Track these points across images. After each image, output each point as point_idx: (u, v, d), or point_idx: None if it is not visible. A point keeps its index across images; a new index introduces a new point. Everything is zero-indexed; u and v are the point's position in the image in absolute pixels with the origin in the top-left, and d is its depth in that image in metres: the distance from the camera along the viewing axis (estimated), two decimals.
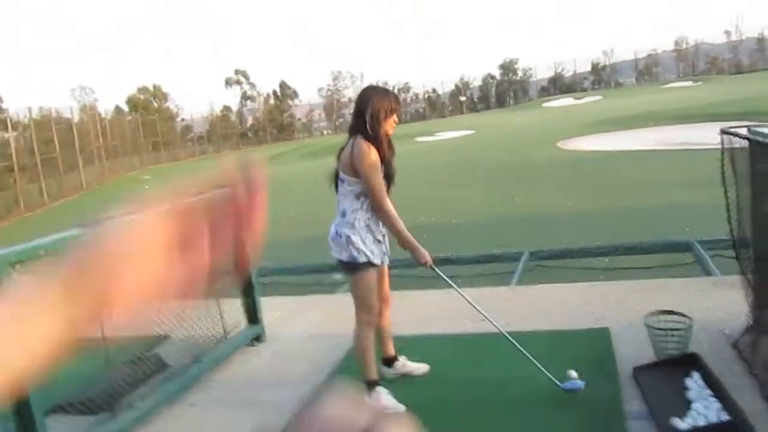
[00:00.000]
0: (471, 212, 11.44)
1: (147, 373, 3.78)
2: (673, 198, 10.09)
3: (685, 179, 12.12)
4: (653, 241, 6.50)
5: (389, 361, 3.71)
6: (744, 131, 3.30)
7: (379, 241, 3.27)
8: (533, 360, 3.14)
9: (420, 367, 3.72)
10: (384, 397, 3.31)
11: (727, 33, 65.04)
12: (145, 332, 3.87)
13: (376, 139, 3.18)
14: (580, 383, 3.06)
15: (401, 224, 3.20)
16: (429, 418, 3.20)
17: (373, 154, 3.13)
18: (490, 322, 3.34)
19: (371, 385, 3.36)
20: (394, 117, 3.21)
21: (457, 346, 4.02)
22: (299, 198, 15.15)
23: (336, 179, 3.29)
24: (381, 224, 3.27)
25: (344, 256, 3.23)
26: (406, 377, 3.68)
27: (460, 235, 9.55)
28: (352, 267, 3.25)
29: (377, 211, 3.17)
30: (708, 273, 5.22)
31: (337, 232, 3.25)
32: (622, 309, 4.29)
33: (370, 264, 3.24)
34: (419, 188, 14.59)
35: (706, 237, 5.97)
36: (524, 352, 3.19)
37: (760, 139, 3.01)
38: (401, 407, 3.25)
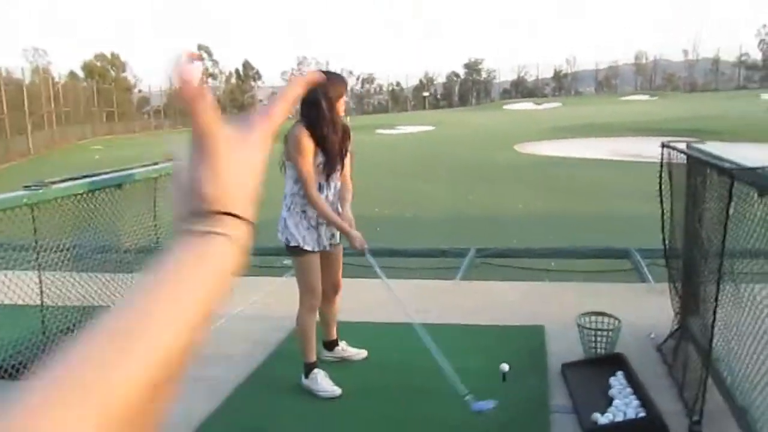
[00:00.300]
0: (427, 207, 11.57)
1: None
2: (620, 206, 10.42)
3: (633, 189, 12.50)
4: (595, 246, 6.72)
5: (330, 345, 3.78)
6: (683, 146, 3.47)
7: (314, 228, 3.30)
8: (447, 367, 3.04)
9: (358, 353, 3.79)
10: (321, 379, 3.38)
11: (685, 52, 67.02)
12: (85, 303, 3.84)
13: (319, 125, 3.19)
14: (490, 405, 2.87)
15: (328, 209, 3.23)
16: (364, 402, 3.29)
17: (305, 141, 3.16)
18: (409, 316, 3.34)
19: (309, 367, 3.42)
20: (339, 99, 3.24)
21: (396, 335, 4.09)
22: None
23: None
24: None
25: (283, 239, 3.33)
26: (345, 361, 3.75)
27: (414, 229, 9.65)
28: (291, 250, 3.33)
29: (306, 196, 3.22)
30: (643, 280, 5.44)
31: (281, 215, 3.34)
32: (558, 309, 4.45)
33: (304, 250, 3.29)
34: (377, 180, 14.66)
35: (645, 245, 6.21)
36: (439, 359, 3.10)
37: (696, 155, 3.17)
38: (337, 390, 3.32)
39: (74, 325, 3.77)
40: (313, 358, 3.45)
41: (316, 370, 3.41)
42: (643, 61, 67.74)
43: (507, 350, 3.67)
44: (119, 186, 3.90)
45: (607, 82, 67.70)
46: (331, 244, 3.41)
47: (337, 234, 3.42)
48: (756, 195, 2.39)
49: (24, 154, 28.96)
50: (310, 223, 3.28)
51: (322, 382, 3.36)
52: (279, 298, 4.85)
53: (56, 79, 39.66)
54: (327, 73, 3.40)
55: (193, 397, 3.38)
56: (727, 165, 2.61)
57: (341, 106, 3.26)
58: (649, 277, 5.41)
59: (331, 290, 3.62)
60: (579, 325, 3.57)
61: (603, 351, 3.48)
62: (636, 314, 4.25)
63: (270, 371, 3.60)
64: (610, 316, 3.61)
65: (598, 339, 3.48)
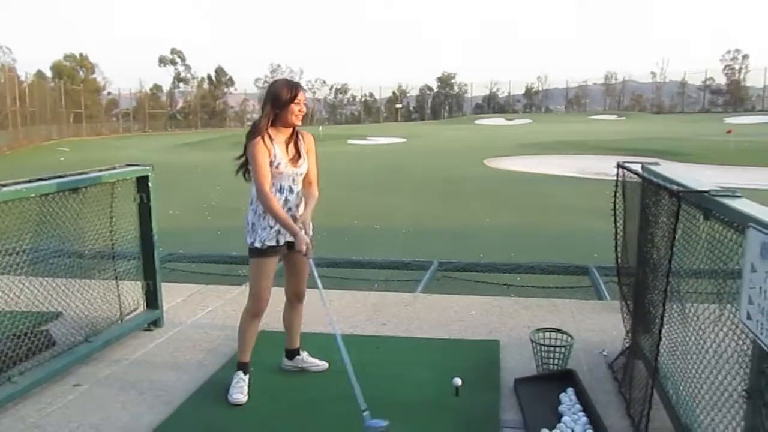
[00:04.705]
0: (394, 218, 11.60)
1: (32, 349, 3.65)
2: (584, 224, 10.57)
3: (597, 207, 12.68)
4: (555, 262, 6.81)
5: (291, 354, 3.76)
6: (638, 167, 3.54)
7: (274, 231, 3.33)
8: (352, 381, 2.96)
9: (318, 364, 3.77)
10: (237, 383, 3.41)
11: (653, 74, 68.58)
12: (35, 307, 3.74)
13: (284, 130, 3.33)
14: (382, 424, 2.78)
15: (276, 206, 3.23)
16: (312, 414, 3.26)
17: (258, 142, 3.23)
18: (332, 326, 3.29)
19: (238, 366, 3.48)
20: (300, 106, 3.30)
21: (356, 347, 4.09)
22: (222, 186, 14.92)
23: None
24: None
25: (249, 241, 3.37)
26: (305, 371, 3.73)
27: (379, 240, 9.67)
28: (249, 251, 3.38)
29: (259, 200, 3.25)
30: (600, 297, 5.53)
31: (247, 219, 3.41)
32: (514, 324, 4.49)
33: (261, 252, 3.32)
34: (346, 191, 14.65)
35: (605, 263, 6.32)
36: (350, 373, 2.99)
37: (648, 176, 3.24)
38: (243, 399, 3.33)
39: (23, 332, 3.67)
40: (245, 359, 3.49)
41: (239, 372, 3.46)
42: (612, 81, 69.13)
43: (461, 364, 3.69)
44: (75, 190, 3.83)
45: (576, 100, 68.90)
46: (290, 246, 3.40)
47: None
48: (701, 217, 2.45)
49: None
50: (268, 223, 3.31)
51: (234, 386, 3.40)
52: (239, 306, 4.80)
53: (22, 79, 38.86)
54: (287, 80, 3.49)
55: (144, 405, 3.33)
56: (675, 187, 2.67)
57: (300, 111, 3.31)
58: (606, 294, 5.50)
59: (294, 298, 3.62)
60: (532, 341, 3.61)
61: (556, 367, 3.52)
62: (590, 331, 4.32)
63: (222, 380, 3.56)
64: (563, 332, 3.65)
65: (551, 355, 3.52)
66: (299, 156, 3.38)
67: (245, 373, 3.47)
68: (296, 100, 3.28)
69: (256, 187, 3.25)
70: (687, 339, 2.61)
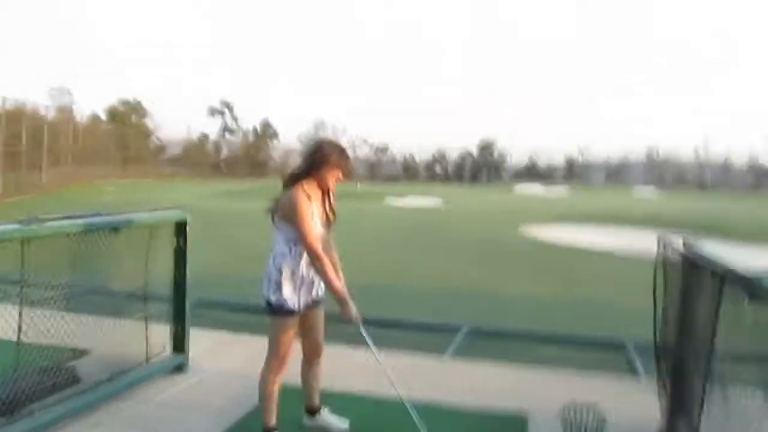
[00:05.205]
0: (426, 279, 11.49)
1: (56, 385, 3.66)
2: (621, 298, 10.30)
3: (636, 281, 12.38)
4: (589, 336, 6.61)
5: (312, 411, 3.67)
6: (680, 243, 3.44)
7: (298, 289, 3.27)
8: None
9: (339, 424, 3.68)
10: None
11: (696, 152, 68.02)
12: (64, 342, 3.76)
13: (318, 189, 3.30)
14: None
15: (331, 272, 3.20)
16: None
17: (306, 204, 3.19)
18: (400, 397, 3.27)
19: (265, 430, 3.36)
20: (339, 174, 3.30)
21: (381, 409, 3.99)
22: (260, 235, 15.07)
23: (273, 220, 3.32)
24: (307, 274, 3.29)
25: (273, 298, 3.26)
26: (324, 430, 3.64)
27: (410, 301, 9.55)
28: (271, 310, 3.28)
29: (310, 259, 3.20)
30: (635, 374, 5.31)
31: (265, 273, 3.30)
32: (545, 397, 4.33)
33: (286, 311, 3.24)
34: (379, 248, 14.64)
35: (642, 340, 6.10)
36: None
37: (691, 253, 3.14)
38: None
39: (49, 367, 3.69)
40: (270, 422, 3.38)
41: None
42: (655, 156, 68.73)
43: None
44: (115, 230, 3.90)
45: (617, 173, 68.52)
46: (313, 303, 3.36)
47: (320, 295, 3.40)
48: (746, 300, 2.35)
49: (37, 189, 29.29)
50: (296, 284, 3.26)
51: None
52: (260, 355, 4.75)
53: (79, 120, 40.57)
54: (335, 144, 3.46)
55: None
56: (719, 266, 2.58)
57: (338, 178, 3.31)
58: (642, 372, 5.28)
59: (313, 354, 3.55)
60: (563, 419, 3.46)
61: None
62: (623, 410, 4.12)
63: (244, 429, 3.50)
64: (595, 411, 3.50)
65: None
66: (333, 217, 3.38)
67: None
68: (342, 171, 3.29)
69: (306, 245, 3.15)
70: (730, 427, 2.47)
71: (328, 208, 3.36)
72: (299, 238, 3.17)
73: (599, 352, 6.32)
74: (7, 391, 3.31)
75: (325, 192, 3.35)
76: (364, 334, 3.26)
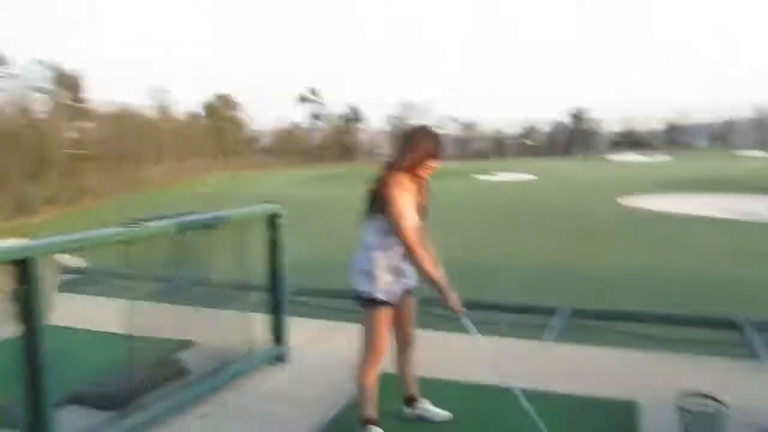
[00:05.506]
0: (521, 257, 11.27)
1: (166, 377, 3.82)
2: (732, 269, 9.70)
3: (747, 251, 11.61)
4: (699, 313, 6.23)
5: (410, 400, 3.65)
6: None
7: (394, 281, 3.23)
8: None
9: (439, 414, 3.63)
10: None
11: None
12: (171, 335, 3.92)
13: (411, 179, 3.21)
14: None
15: (429, 263, 3.13)
16: None
17: (404, 192, 3.13)
18: (507, 384, 3.19)
19: (365, 422, 3.31)
20: (432, 162, 3.20)
21: (480, 395, 3.92)
22: (352, 219, 15.27)
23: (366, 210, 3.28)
24: (400, 262, 3.24)
25: (365, 290, 3.21)
26: (424, 420, 3.61)
27: (505, 279, 9.39)
28: (365, 302, 3.23)
29: (406, 249, 3.13)
30: (755, 356, 4.94)
31: (355, 264, 3.25)
32: (655, 382, 4.09)
33: (381, 302, 3.20)
34: (470, 226, 14.48)
35: (760, 316, 5.68)
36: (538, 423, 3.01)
37: None
38: None
39: (159, 360, 3.86)
40: (370, 413, 3.32)
41: (371, 427, 3.29)
42: (764, 115, 63.96)
43: (593, 425, 3.40)
44: (210, 226, 4.01)
45: (721, 136, 64.35)
46: (405, 293, 3.32)
47: (410, 284, 3.34)
48: None
49: (145, 185, 31.17)
50: (390, 274, 3.22)
51: None
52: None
53: (178, 117, 42.57)
54: (430, 132, 3.33)
55: None
56: None
57: (431, 166, 3.22)
58: (763, 355, 4.90)
59: (405, 343, 3.51)
60: (680, 408, 3.23)
61: None
62: (742, 397, 3.82)
63: (345, 421, 3.52)
64: (715, 399, 3.25)
65: (701, 426, 3.14)
66: (425, 210, 3.30)
67: (375, 428, 3.32)
68: (437, 160, 3.20)
69: (402, 236, 3.09)
70: None
71: (421, 197, 3.29)
72: (394, 229, 3.12)
73: (712, 331, 5.93)
74: (123, 384, 3.49)
75: (419, 181, 3.27)
76: (467, 322, 3.19)
